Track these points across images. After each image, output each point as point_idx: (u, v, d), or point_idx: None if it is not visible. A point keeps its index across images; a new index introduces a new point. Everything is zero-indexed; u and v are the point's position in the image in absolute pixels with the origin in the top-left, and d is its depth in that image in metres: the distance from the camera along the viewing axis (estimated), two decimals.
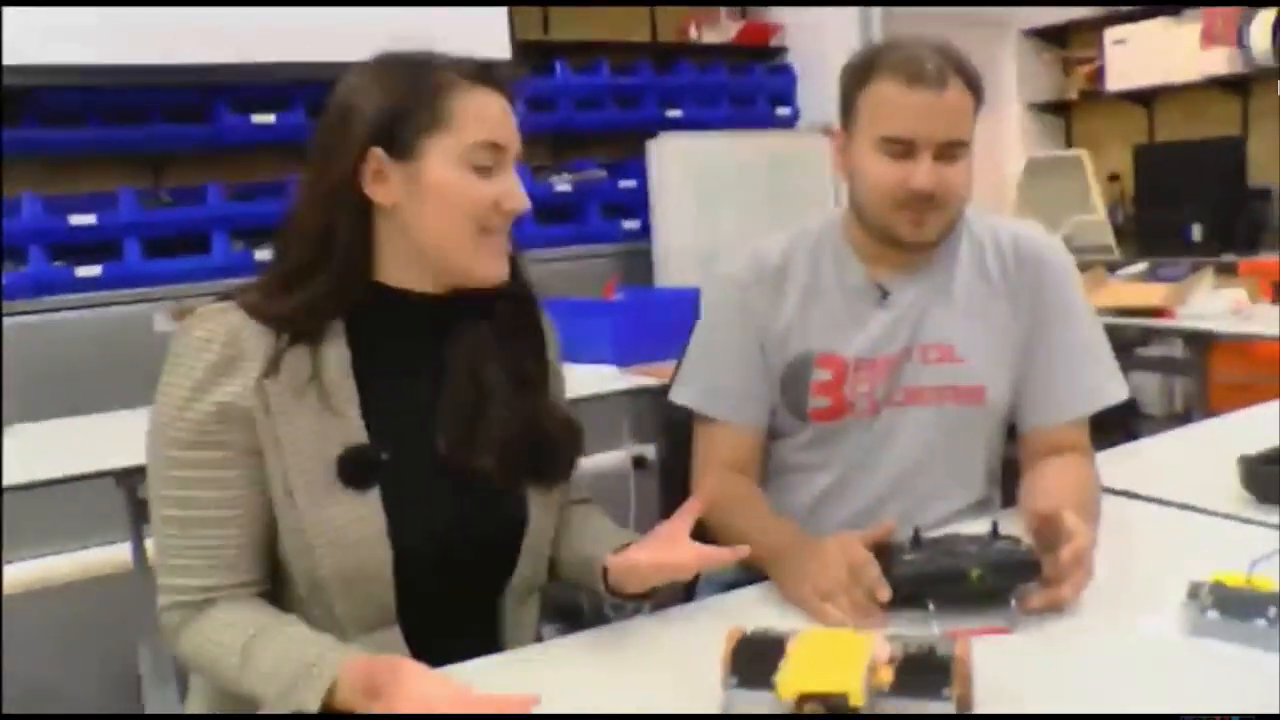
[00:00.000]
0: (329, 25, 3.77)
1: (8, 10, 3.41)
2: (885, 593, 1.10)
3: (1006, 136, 5.45)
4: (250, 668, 1.01)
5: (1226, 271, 3.87)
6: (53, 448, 2.21)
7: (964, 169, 1.34)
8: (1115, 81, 5.12)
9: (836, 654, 0.84)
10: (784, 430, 1.46)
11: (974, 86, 1.34)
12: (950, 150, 1.32)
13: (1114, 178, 5.24)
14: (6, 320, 3.44)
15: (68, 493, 1.98)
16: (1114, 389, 1.44)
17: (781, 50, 4.92)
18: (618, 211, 4.60)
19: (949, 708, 0.84)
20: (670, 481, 1.70)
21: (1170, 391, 4.61)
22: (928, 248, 1.40)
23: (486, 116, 1.10)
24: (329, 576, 1.08)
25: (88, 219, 3.65)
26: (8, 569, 3.26)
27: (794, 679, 0.81)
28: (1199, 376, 3.29)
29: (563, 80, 4.59)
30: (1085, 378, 1.43)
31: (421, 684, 0.93)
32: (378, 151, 1.08)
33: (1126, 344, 3.86)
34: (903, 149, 1.32)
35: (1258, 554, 1.20)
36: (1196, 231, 4.68)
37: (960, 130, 1.33)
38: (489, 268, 1.12)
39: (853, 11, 4.75)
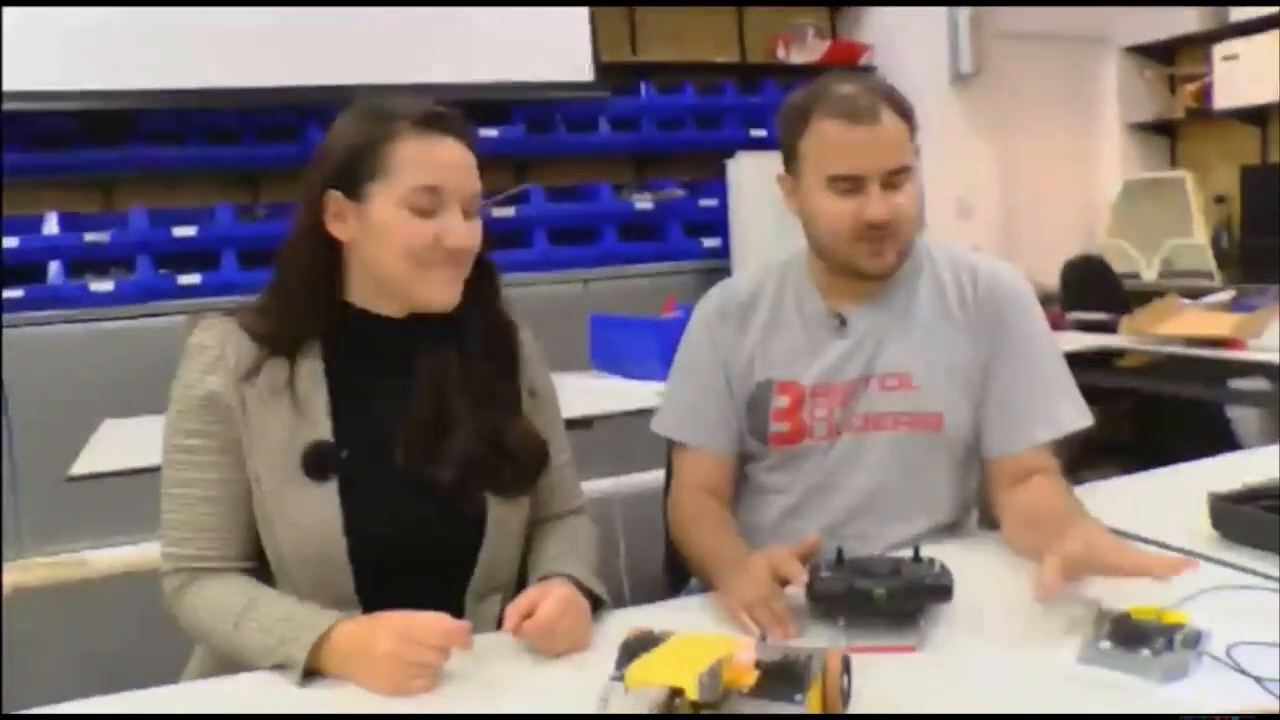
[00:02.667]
0: (415, 48, 3.99)
1: (115, 38, 3.73)
2: (792, 627, 1.18)
3: (1104, 158, 5.35)
4: (244, 628, 1.17)
5: None
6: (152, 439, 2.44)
7: (911, 193, 1.42)
8: (1224, 99, 4.97)
9: (695, 654, 0.93)
10: (751, 453, 1.55)
11: (906, 115, 1.43)
12: (895, 178, 1.40)
13: (1220, 200, 5.09)
14: (116, 323, 3.76)
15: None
16: (1074, 417, 1.48)
17: (869, 70, 4.95)
18: (698, 230, 4.70)
19: (798, 709, 0.92)
20: None
21: (1274, 429, 4.45)
22: (888, 275, 1.47)
23: (427, 163, 1.23)
24: (290, 558, 1.24)
25: (189, 231, 3.96)
26: (108, 552, 3.58)
27: (641, 671, 0.91)
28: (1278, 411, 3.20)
29: (647, 100, 4.72)
30: (1045, 405, 1.47)
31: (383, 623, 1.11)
32: (336, 194, 1.24)
33: (1219, 377, 3.77)
34: (851, 184, 1.40)
35: (1200, 591, 1.23)
36: None
37: (902, 157, 1.41)
38: (435, 296, 1.26)
39: (940, 32, 4.76)
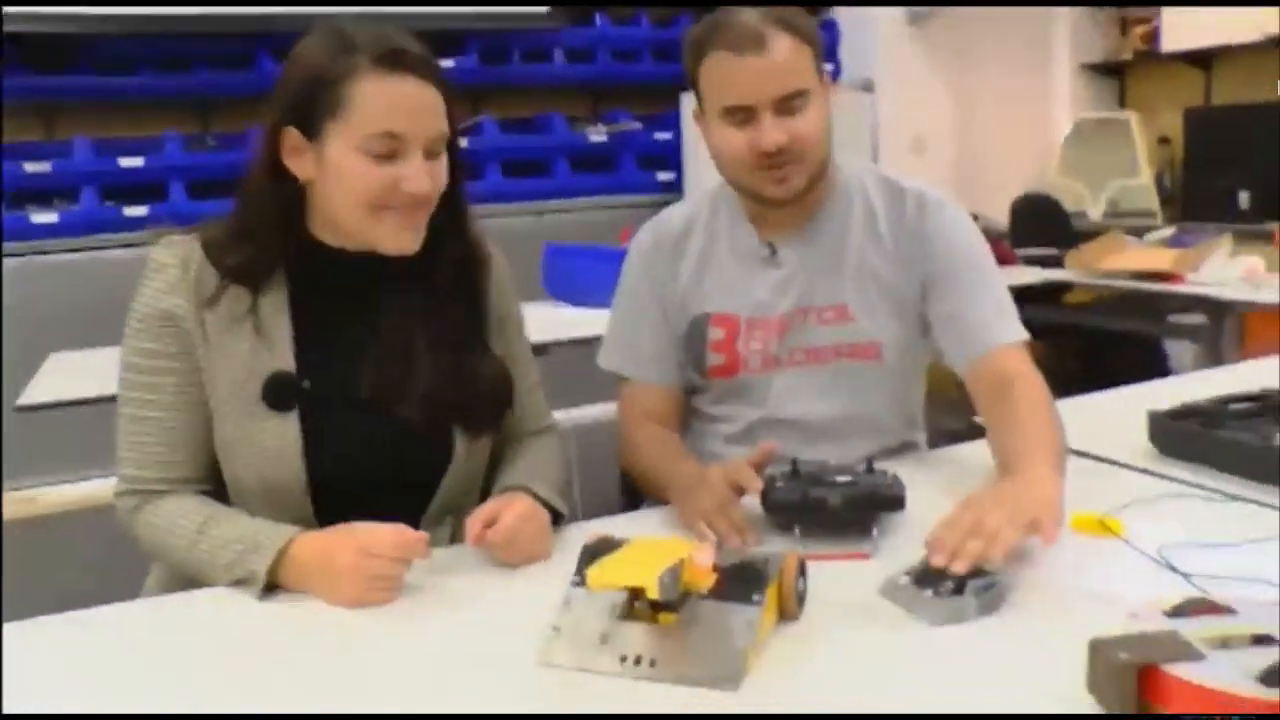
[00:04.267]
0: None
1: None
2: (750, 536, 1.20)
3: (1057, 98, 5.38)
4: (202, 543, 1.17)
5: (1262, 239, 3.82)
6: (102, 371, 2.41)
7: (813, 117, 1.40)
8: (1171, 42, 5.00)
9: (655, 556, 0.95)
10: (692, 385, 1.57)
11: (805, 38, 1.39)
12: (789, 104, 1.38)
13: (1164, 141, 5.15)
14: (59, 256, 3.67)
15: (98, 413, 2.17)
16: (1012, 329, 1.45)
17: (826, 6, 4.92)
18: (652, 163, 4.67)
19: (755, 614, 0.94)
20: None
21: (1202, 360, 4.56)
22: (796, 201, 1.45)
23: (386, 106, 1.17)
24: (248, 485, 1.23)
25: (135, 161, 3.84)
26: (58, 489, 3.52)
27: (602, 573, 0.92)
28: (1212, 344, 3.28)
29: (602, 32, 4.66)
30: (996, 310, 1.45)
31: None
32: (292, 130, 1.19)
33: (1158, 312, 3.86)
34: (744, 115, 1.39)
35: (1133, 500, 1.28)
36: (1244, 199, 4.60)
37: (796, 81, 1.38)
38: (393, 242, 1.22)
39: None
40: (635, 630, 0.95)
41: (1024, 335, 1.45)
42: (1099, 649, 0.84)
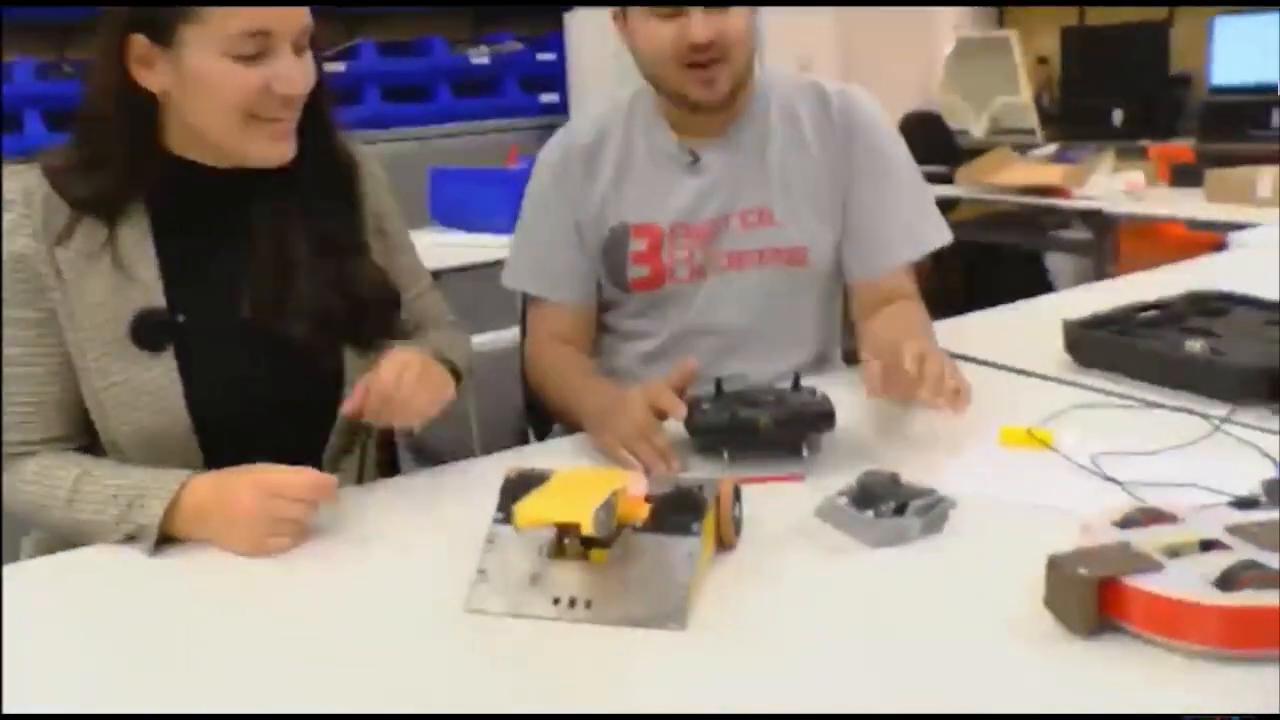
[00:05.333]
0: None
1: None
2: (675, 461, 1.14)
3: (937, 17, 5.38)
4: (80, 501, 1.05)
5: (1137, 155, 3.90)
6: None
7: (740, 19, 1.34)
8: None
9: (585, 489, 0.88)
10: (610, 301, 1.50)
11: None
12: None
13: (1043, 60, 5.21)
14: None
15: None
16: (934, 234, 1.48)
17: None
18: (536, 85, 4.53)
19: (694, 544, 0.88)
20: None
21: (1084, 275, 4.69)
22: (723, 106, 1.39)
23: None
24: (126, 439, 1.11)
25: None
26: None
27: (530, 509, 0.85)
28: (1098, 258, 3.34)
29: None
30: (905, 225, 1.46)
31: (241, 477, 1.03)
32: (140, 38, 1.05)
33: (1040, 227, 3.92)
34: (672, 10, 1.32)
35: (1056, 412, 1.26)
36: (1118, 117, 4.68)
37: None
38: (266, 152, 1.10)
39: None
40: (567, 570, 0.88)
41: (939, 241, 1.49)
42: (1057, 565, 0.81)
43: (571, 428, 1.37)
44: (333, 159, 1.21)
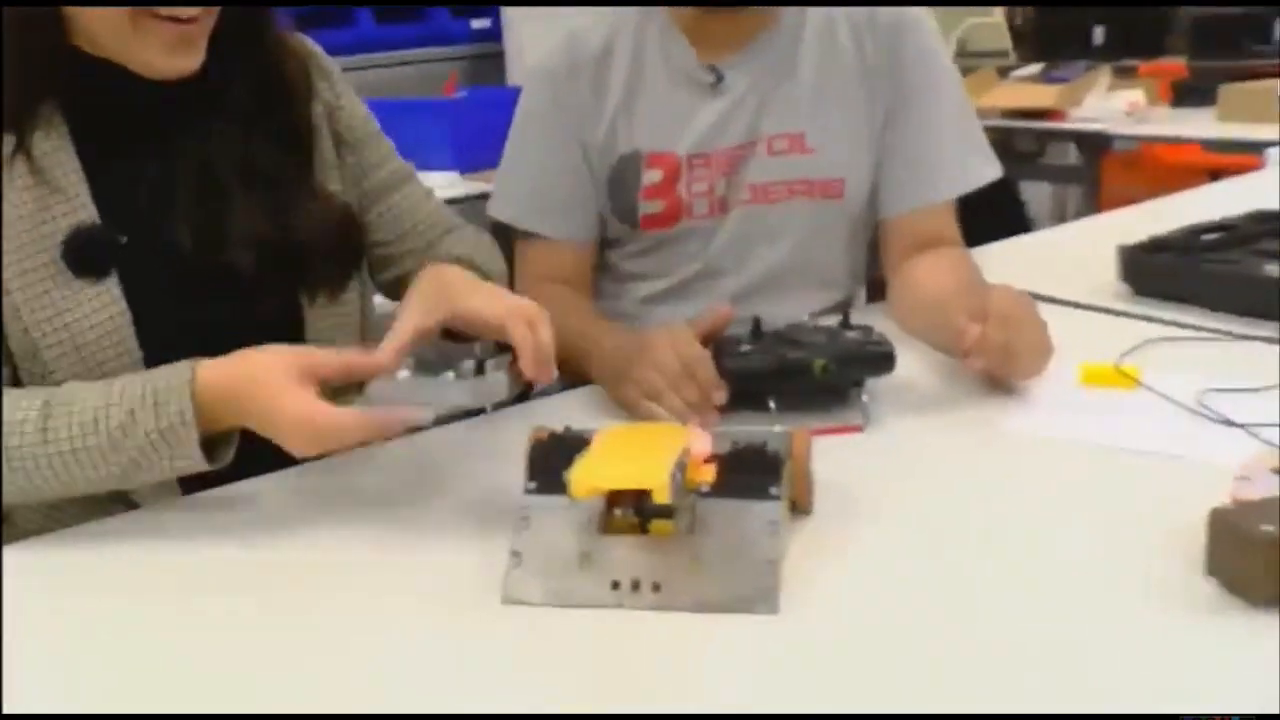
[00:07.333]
0: None
1: None
2: (721, 393, 1.04)
3: None
4: (56, 430, 0.88)
5: (1125, 75, 3.87)
6: None
7: None
8: None
9: (644, 449, 0.77)
10: (613, 238, 1.38)
11: None
12: None
13: None
14: None
15: None
16: (984, 168, 1.39)
17: None
18: (465, 9, 4.35)
19: (776, 510, 0.78)
20: None
21: (1063, 205, 4.67)
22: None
23: None
24: (62, 381, 0.95)
25: None
26: None
27: (588, 475, 0.73)
28: (1091, 185, 3.30)
29: None
30: (952, 157, 1.36)
31: (296, 406, 0.87)
32: None
33: (1020, 154, 3.87)
34: None
35: (1129, 347, 1.19)
36: (1099, 34, 4.64)
37: None
38: (158, 61, 0.95)
39: None
40: (624, 547, 0.77)
41: (989, 175, 1.39)
42: (1223, 522, 0.72)
43: (574, 379, 1.26)
44: (268, 73, 1.06)
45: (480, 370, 0.90)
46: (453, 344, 0.95)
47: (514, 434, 0.91)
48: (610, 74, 1.33)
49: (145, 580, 0.85)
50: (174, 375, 0.89)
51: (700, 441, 0.81)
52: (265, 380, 0.88)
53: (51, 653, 0.75)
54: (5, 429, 0.88)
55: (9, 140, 0.96)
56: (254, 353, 0.90)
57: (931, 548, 0.83)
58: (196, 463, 0.89)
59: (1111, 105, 3.06)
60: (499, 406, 0.97)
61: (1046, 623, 0.72)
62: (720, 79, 1.32)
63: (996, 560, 0.81)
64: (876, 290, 1.49)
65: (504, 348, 0.92)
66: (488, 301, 0.95)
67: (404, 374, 0.89)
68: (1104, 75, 3.24)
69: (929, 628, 0.72)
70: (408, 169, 1.22)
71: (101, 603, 0.82)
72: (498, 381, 0.89)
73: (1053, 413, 1.04)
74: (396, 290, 1.16)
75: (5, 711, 0.67)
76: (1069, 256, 1.65)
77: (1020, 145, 3.75)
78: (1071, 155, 3.66)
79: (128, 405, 0.88)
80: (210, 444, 0.90)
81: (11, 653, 0.73)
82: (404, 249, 1.18)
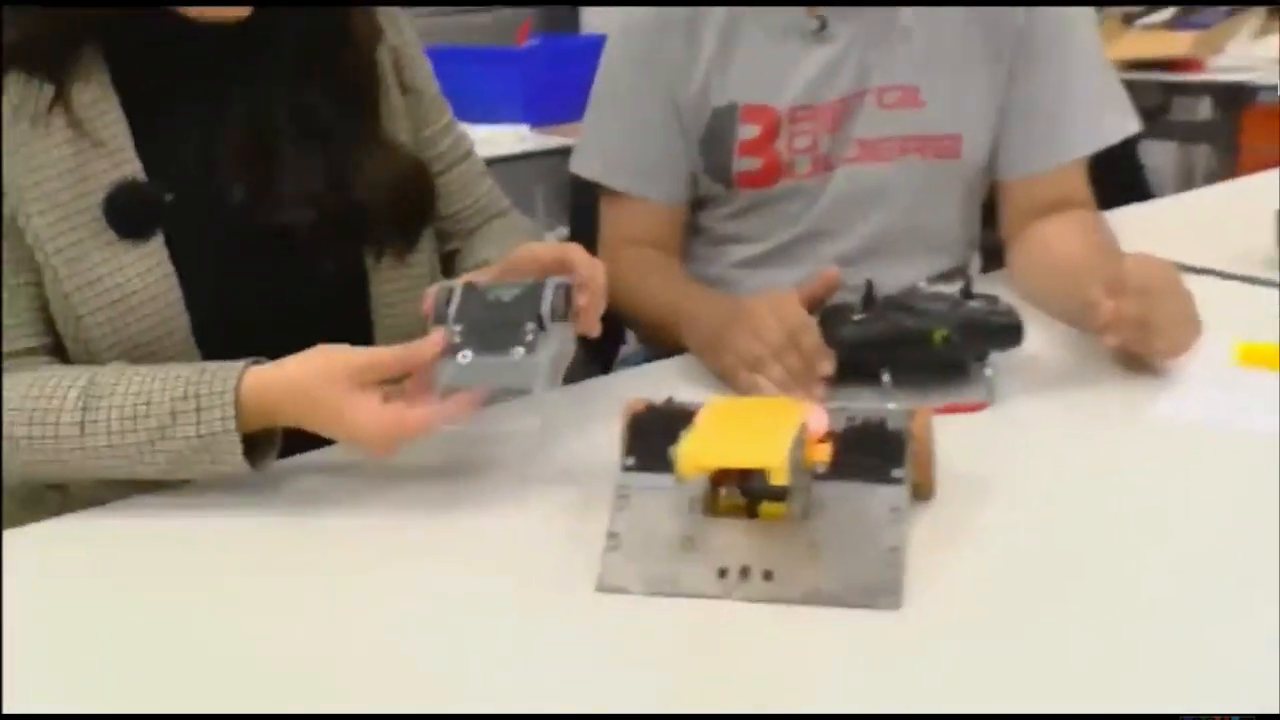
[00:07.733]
0: None
1: None
2: (829, 363, 0.99)
3: None
4: (95, 424, 0.87)
5: (1276, 17, 3.65)
6: None
7: None
8: None
9: (757, 424, 0.73)
10: (706, 197, 1.33)
11: None
12: None
13: None
14: None
15: None
16: (1122, 121, 1.31)
17: None
18: None
19: (899, 495, 0.73)
20: None
21: (1189, 168, 4.47)
22: None
23: None
24: (102, 349, 0.95)
25: None
26: None
27: (698, 452, 0.69)
28: (1227, 144, 3.13)
29: None
30: (1086, 110, 1.28)
31: (363, 416, 0.85)
32: None
33: (1142, 111, 3.69)
34: None
35: None
36: None
37: None
38: (205, 4, 0.93)
39: None
40: (733, 531, 0.72)
41: (1127, 130, 1.31)
42: None
43: (665, 347, 1.22)
44: (328, 15, 1.02)
45: (541, 326, 0.84)
46: (493, 287, 0.89)
47: (598, 404, 0.87)
48: (705, 23, 1.27)
49: (201, 559, 0.84)
50: (218, 380, 0.86)
51: (816, 418, 0.76)
52: (321, 396, 0.85)
53: (105, 625, 0.74)
54: (42, 415, 0.87)
55: (46, 89, 0.93)
56: (304, 362, 0.86)
57: (1066, 538, 0.78)
58: (238, 468, 0.86)
59: (1259, 52, 2.87)
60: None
61: (1189, 622, 0.67)
62: (824, 25, 1.25)
63: (1136, 553, 0.75)
64: (991, 257, 1.43)
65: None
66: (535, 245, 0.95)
67: (467, 356, 0.84)
68: (1251, 18, 3.05)
69: (1064, 625, 0.68)
70: (467, 143, 1.19)
71: (180, 575, 0.81)
72: (565, 341, 0.85)
73: (1204, 396, 0.98)
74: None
75: (46, 676, 0.67)
76: (1212, 223, 1.56)
77: (1142, 100, 3.58)
78: (1203, 110, 3.49)
79: (169, 405, 0.85)
80: (251, 440, 0.87)
81: (55, 621, 0.73)
82: (448, 229, 1.15)
